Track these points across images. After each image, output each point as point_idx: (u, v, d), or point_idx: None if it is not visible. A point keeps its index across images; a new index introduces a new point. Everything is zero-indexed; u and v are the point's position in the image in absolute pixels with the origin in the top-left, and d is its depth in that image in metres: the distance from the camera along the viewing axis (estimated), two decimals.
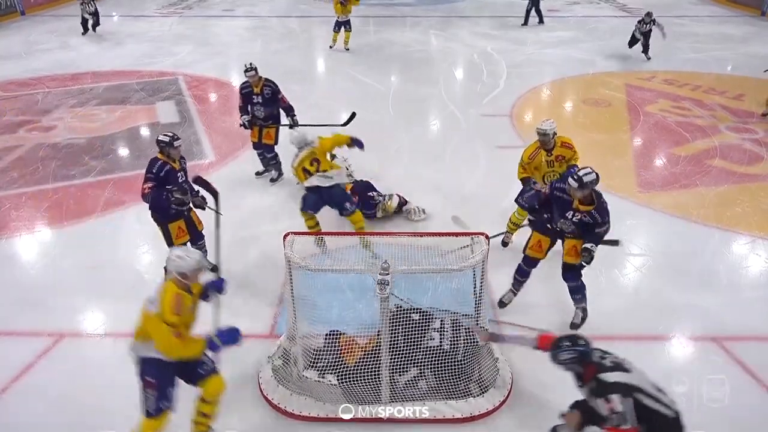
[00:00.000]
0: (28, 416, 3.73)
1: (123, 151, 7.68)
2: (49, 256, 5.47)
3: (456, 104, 9.27)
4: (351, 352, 3.82)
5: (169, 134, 4.55)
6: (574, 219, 4.06)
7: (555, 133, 4.93)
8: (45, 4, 16.49)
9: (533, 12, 14.40)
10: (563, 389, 3.90)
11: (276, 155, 6.73)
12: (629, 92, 9.81)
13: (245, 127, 6.54)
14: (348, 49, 12.05)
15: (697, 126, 8.39)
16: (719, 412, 3.69)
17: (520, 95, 9.71)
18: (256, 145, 6.71)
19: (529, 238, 4.54)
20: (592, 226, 4.01)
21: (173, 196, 4.41)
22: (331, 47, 12.12)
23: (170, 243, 4.62)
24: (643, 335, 4.40)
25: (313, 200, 5.23)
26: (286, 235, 3.77)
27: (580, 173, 3.88)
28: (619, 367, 3.01)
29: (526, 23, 14.41)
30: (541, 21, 14.39)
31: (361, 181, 6.16)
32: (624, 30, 14.30)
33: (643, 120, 8.65)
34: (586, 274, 4.31)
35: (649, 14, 11.17)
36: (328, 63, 12.07)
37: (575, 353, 3.08)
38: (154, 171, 4.43)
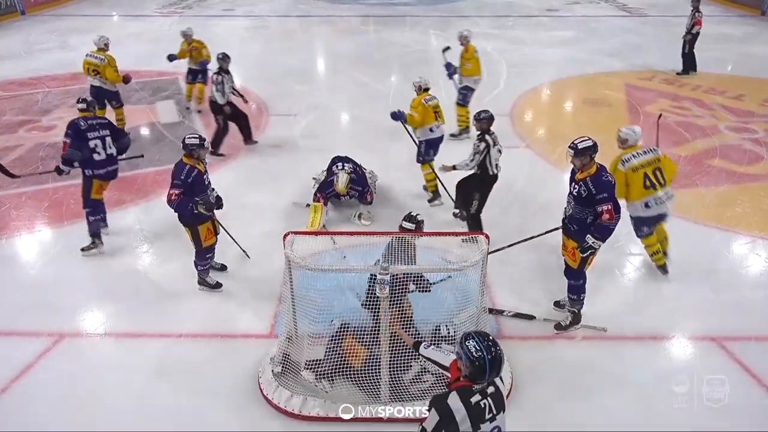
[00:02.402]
0: (28, 416, 3.73)
1: None
2: (49, 256, 5.47)
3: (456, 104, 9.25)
4: (355, 354, 3.82)
5: (197, 135, 4.53)
6: (573, 192, 4.11)
7: (421, 87, 6.27)
8: (45, 4, 16.49)
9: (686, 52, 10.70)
10: (563, 389, 3.92)
11: None
12: (629, 92, 9.81)
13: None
14: (200, 111, 8.89)
15: (697, 126, 8.39)
16: (719, 412, 3.70)
17: (520, 95, 9.71)
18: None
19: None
20: (588, 200, 3.99)
21: (196, 209, 4.42)
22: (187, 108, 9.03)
23: (199, 245, 4.64)
24: (643, 335, 4.40)
25: None
26: (285, 235, 3.77)
27: (577, 140, 4.05)
28: None
29: (686, 72, 10.64)
30: (687, 69, 10.66)
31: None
32: (624, 29, 14.34)
33: (643, 120, 8.64)
34: (587, 274, 4.31)
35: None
36: (328, 63, 12.08)
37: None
38: (182, 177, 4.38)
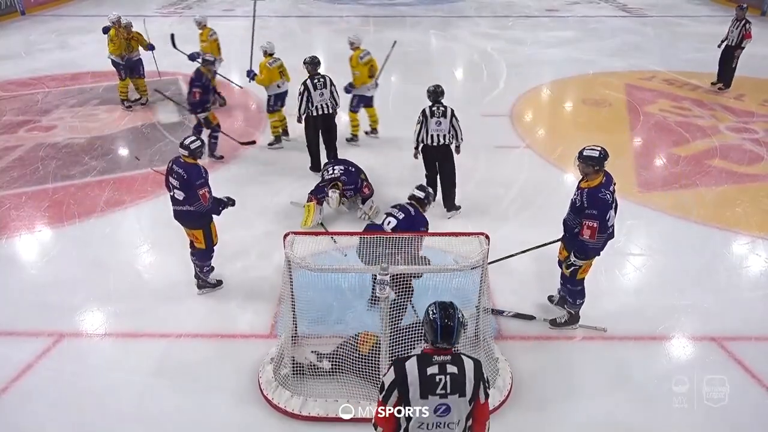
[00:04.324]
0: (28, 416, 3.73)
1: (123, 151, 7.68)
2: (49, 256, 5.46)
3: (456, 104, 9.23)
4: (365, 341, 3.87)
5: (194, 137, 4.58)
6: (573, 197, 4.05)
7: (266, 52, 7.64)
8: (45, 4, 16.49)
9: (723, 68, 9.84)
10: (563, 390, 3.92)
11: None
12: (629, 92, 9.81)
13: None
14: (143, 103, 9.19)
15: (697, 126, 8.39)
16: (719, 412, 3.70)
17: (520, 95, 9.72)
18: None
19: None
20: (579, 211, 3.93)
21: (229, 206, 4.71)
22: (130, 107, 9.01)
23: (210, 243, 4.69)
24: (643, 335, 4.41)
25: None
26: (286, 235, 3.78)
27: (586, 146, 3.92)
28: None
29: (727, 85, 9.82)
30: (721, 82, 9.90)
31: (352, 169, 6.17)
32: (624, 29, 14.34)
33: (643, 120, 8.65)
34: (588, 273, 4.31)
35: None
36: (327, 63, 11.98)
37: None
38: (204, 176, 4.46)
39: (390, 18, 15.89)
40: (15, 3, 15.34)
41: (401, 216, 4.28)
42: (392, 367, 2.46)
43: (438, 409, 2.40)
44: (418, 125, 5.76)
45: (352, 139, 7.85)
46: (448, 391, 2.39)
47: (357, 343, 3.89)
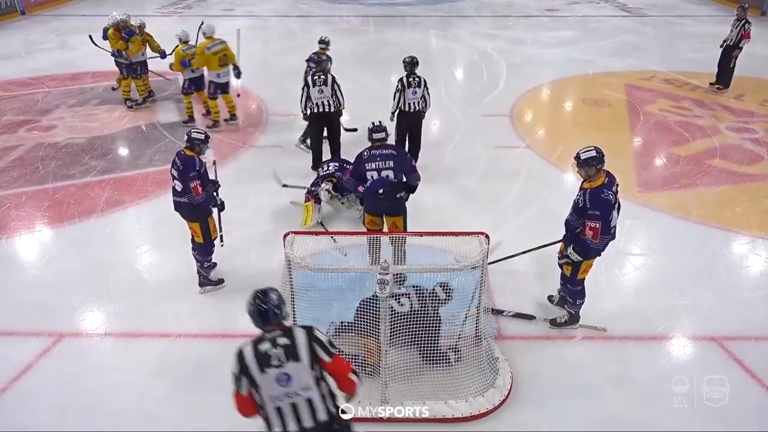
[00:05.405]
0: (28, 416, 3.73)
1: (123, 151, 7.68)
2: (49, 256, 5.46)
3: (456, 104, 9.27)
4: (370, 351, 3.85)
5: (202, 131, 4.60)
6: (575, 198, 4.04)
7: (190, 36, 8.16)
8: (45, 3, 16.49)
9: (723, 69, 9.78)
10: (563, 389, 3.92)
11: None
12: (629, 92, 9.81)
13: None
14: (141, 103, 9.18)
15: (697, 126, 8.39)
16: (719, 412, 3.70)
17: (520, 95, 9.72)
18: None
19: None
20: (582, 212, 3.92)
21: (219, 209, 4.72)
22: (131, 107, 9.02)
23: (208, 237, 4.69)
24: (643, 335, 4.41)
25: None
26: (286, 235, 3.78)
27: (581, 150, 3.92)
28: None
29: (726, 86, 9.78)
30: (719, 83, 9.85)
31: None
32: (624, 29, 14.35)
33: (643, 120, 8.66)
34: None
35: None
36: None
37: None
38: (197, 169, 4.44)
39: (390, 18, 15.90)
40: (15, 3, 15.32)
41: (392, 163, 4.54)
42: (234, 358, 2.65)
43: (280, 379, 2.58)
44: (397, 93, 6.51)
45: (214, 125, 8.16)
46: (283, 360, 2.59)
47: (365, 354, 3.85)
